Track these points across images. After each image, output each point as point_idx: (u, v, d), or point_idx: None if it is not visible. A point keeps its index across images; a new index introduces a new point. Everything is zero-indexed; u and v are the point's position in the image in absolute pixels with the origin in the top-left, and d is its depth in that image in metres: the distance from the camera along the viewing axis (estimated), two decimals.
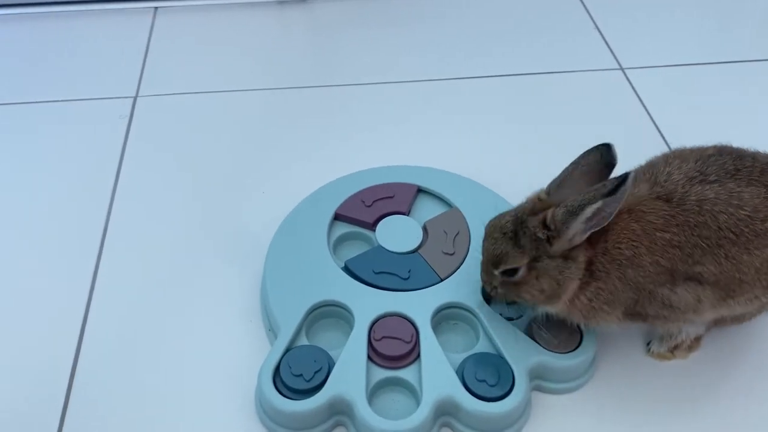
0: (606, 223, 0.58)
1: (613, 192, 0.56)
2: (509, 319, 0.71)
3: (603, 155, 0.61)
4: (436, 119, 1.00)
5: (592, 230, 0.58)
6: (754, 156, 0.64)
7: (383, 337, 0.67)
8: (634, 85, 1.05)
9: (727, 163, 0.62)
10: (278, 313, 0.70)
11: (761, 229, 0.59)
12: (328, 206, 0.80)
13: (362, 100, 1.02)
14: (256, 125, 0.99)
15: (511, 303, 0.66)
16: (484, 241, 0.65)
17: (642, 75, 1.07)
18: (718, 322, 0.69)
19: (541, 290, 0.61)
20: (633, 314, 0.63)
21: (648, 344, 0.72)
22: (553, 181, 0.63)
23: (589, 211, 0.57)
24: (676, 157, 0.65)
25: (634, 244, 0.60)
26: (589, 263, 0.60)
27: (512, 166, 0.91)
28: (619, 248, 0.60)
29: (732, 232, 0.59)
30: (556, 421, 0.66)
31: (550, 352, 0.67)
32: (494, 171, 0.88)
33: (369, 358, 0.66)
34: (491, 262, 0.62)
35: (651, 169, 0.64)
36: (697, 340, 0.70)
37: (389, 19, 1.19)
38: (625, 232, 0.60)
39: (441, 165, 0.86)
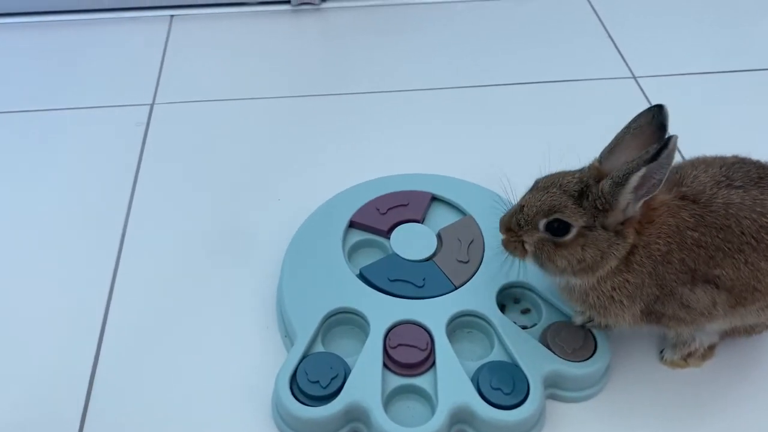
0: (655, 192, 0.58)
1: (655, 157, 0.55)
2: (524, 327, 0.71)
3: (655, 116, 0.60)
4: (449, 127, 1.00)
5: (645, 198, 0.58)
6: None
7: (398, 345, 0.68)
8: (647, 94, 1.06)
9: (751, 171, 0.62)
10: (295, 319, 0.70)
11: None
12: (342, 214, 0.80)
13: (376, 108, 1.03)
14: (271, 133, 1.00)
15: (541, 265, 0.63)
16: (531, 192, 0.63)
17: (655, 84, 1.07)
18: (731, 333, 0.69)
19: (581, 260, 0.61)
20: (650, 313, 0.63)
21: (661, 352, 0.72)
22: (605, 149, 0.62)
23: (635, 180, 0.57)
24: (701, 162, 0.65)
25: (669, 240, 0.60)
26: (630, 252, 0.61)
27: (525, 173, 0.91)
28: (658, 244, 0.60)
29: (753, 238, 0.60)
30: (570, 429, 0.67)
31: (565, 361, 0.67)
32: (508, 179, 0.89)
33: (384, 365, 0.67)
34: (543, 211, 0.61)
35: (677, 171, 0.65)
36: (711, 348, 0.71)
37: (402, 26, 1.20)
38: (663, 227, 0.60)
39: (455, 173, 0.87)
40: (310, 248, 0.77)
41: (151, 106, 1.04)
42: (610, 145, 0.62)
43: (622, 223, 0.60)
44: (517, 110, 1.03)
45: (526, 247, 0.63)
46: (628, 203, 0.59)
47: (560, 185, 0.61)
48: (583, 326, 0.69)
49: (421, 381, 0.66)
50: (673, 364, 0.71)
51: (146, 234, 0.86)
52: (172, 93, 1.06)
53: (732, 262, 0.60)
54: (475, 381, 0.66)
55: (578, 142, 0.96)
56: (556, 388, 0.68)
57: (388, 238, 0.78)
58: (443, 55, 1.13)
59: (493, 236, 0.77)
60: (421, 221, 0.80)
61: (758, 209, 0.60)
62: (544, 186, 0.62)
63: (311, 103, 1.04)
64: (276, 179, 0.92)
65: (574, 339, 0.68)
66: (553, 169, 0.81)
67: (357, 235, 0.80)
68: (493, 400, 0.64)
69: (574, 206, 0.60)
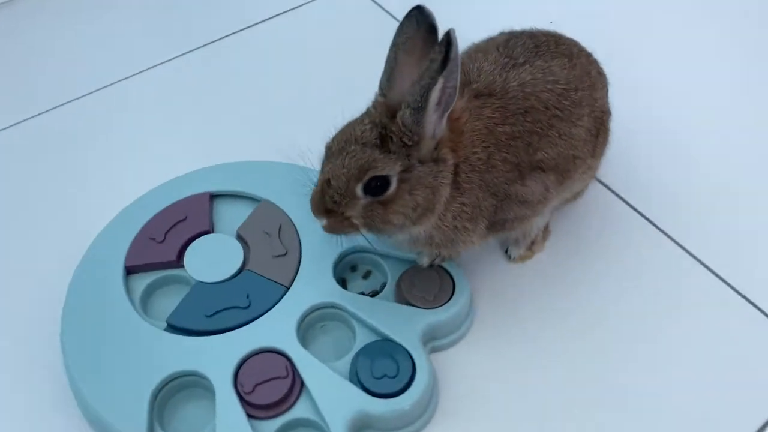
0: (455, 100, 0.51)
1: (445, 62, 0.48)
2: (373, 294, 0.63)
3: (419, 21, 0.53)
4: (183, 108, 0.84)
5: (447, 112, 0.52)
6: (541, 32, 0.62)
7: (255, 386, 0.55)
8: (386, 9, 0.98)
9: (527, 43, 0.59)
10: (114, 419, 0.54)
11: (577, 99, 0.59)
12: (113, 261, 0.63)
13: (92, 116, 0.83)
14: None
15: (378, 231, 0.55)
16: (328, 161, 0.53)
17: None
18: (560, 206, 0.68)
19: (416, 206, 0.53)
20: (495, 224, 0.59)
21: (506, 252, 0.69)
22: (381, 78, 0.54)
23: (435, 96, 0.49)
24: (478, 50, 0.61)
25: (485, 145, 0.55)
26: (455, 173, 0.54)
27: (285, 129, 0.81)
28: (476, 152, 0.55)
29: (557, 108, 0.57)
30: (462, 371, 0.61)
31: (432, 310, 0.61)
32: (275, 142, 0.77)
33: (250, 416, 0.54)
34: (354, 176, 0.51)
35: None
36: (546, 229, 0.70)
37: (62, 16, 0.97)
38: (474, 133, 0.55)
39: (220, 158, 0.72)
40: (89, 322, 0.59)
41: None
42: (385, 72, 0.54)
43: (435, 148, 0.53)
44: (244, 65, 0.89)
45: (354, 221, 0.54)
46: (433, 126, 0.52)
47: (356, 140, 0.52)
48: (431, 265, 0.63)
49: (300, 410, 0.55)
50: (522, 258, 0.69)
51: None
52: None
53: (548, 141, 0.57)
54: (355, 379, 0.56)
55: (327, 72, 0.88)
56: (433, 341, 0.62)
57: (182, 267, 0.63)
58: (135, 29, 0.94)
59: (299, 213, 0.66)
60: (211, 230, 0.66)
61: (550, 78, 0.58)
62: (339, 149, 0.53)
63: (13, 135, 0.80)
64: (17, 236, 0.70)
65: (430, 284, 0.62)
66: (315, 110, 0.72)
67: (142, 280, 0.63)
68: (382, 390, 0.56)
69: (382, 156, 0.51)
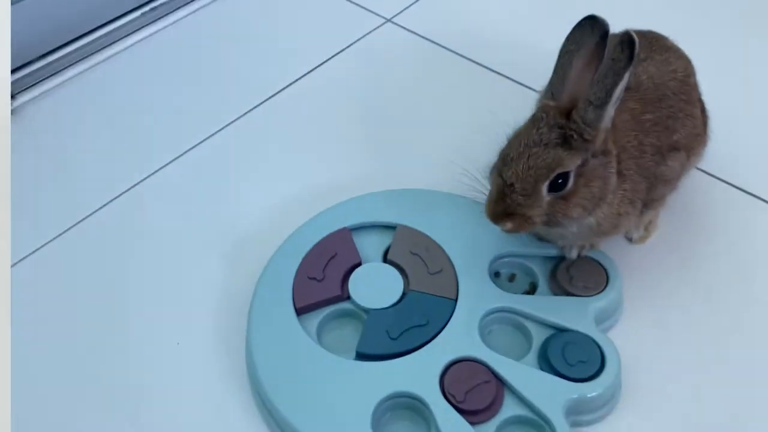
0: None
1: (631, 59, 0.53)
2: (527, 293, 0.67)
3: (593, 29, 0.56)
4: (281, 162, 0.86)
5: (617, 105, 0.56)
6: (641, 30, 0.69)
7: (465, 394, 0.58)
8: (409, 28, 1.04)
9: (641, 41, 0.65)
10: None
11: (692, 83, 0.67)
12: (282, 304, 0.65)
13: (193, 171, 0.85)
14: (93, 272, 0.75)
15: (557, 225, 0.59)
16: (508, 166, 0.57)
17: (408, 16, 1.06)
18: None
19: (592, 196, 0.58)
20: (646, 204, 0.64)
21: (626, 235, 0.74)
22: (551, 83, 0.58)
23: (618, 92, 0.54)
24: None
25: (635, 133, 0.61)
26: (617, 162, 0.59)
27: (393, 162, 0.85)
28: (629, 141, 0.60)
29: (682, 93, 0.64)
30: (632, 345, 0.65)
31: (594, 297, 0.65)
32: (385, 175, 0.82)
33: (472, 424, 0.57)
34: (543, 175, 0.56)
35: None
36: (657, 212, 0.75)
37: (124, 81, 0.98)
38: (624, 124, 0.60)
39: (339, 195, 0.75)
40: (282, 365, 0.61)
41: None
42: (558, 78, 0.58)
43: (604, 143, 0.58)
44: (317, 106, 0.93)
45: (536, 219, 0.58)
46: (609, 119, 0.57)
47: (538, 142, 0.56)
48: (578, 255, 0.68)
49: (510, 409, 0.58)
50: (642, 239, 0.74)
51: None
52: None
53: (680, 122, 0.64)
54: (551, 370, 0.60)
55: (389, 106, 0.92)
56: (600, 324, 0.65)
57: (350, 299, 0.66)
58: (192, 91, 0.96)
59: (436, 232, 0.69)
60: (361, 262, 0.69)
61: (670, 69, 0.65)
62: (518, 153, 0.57)
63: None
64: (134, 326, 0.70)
65: (586, 273, 0.66)
66: (404, 142, 0.80)
67: (314, 318, 0.65)
68: (582, 375, 0.59)
69: (567, 153, 0.56)
